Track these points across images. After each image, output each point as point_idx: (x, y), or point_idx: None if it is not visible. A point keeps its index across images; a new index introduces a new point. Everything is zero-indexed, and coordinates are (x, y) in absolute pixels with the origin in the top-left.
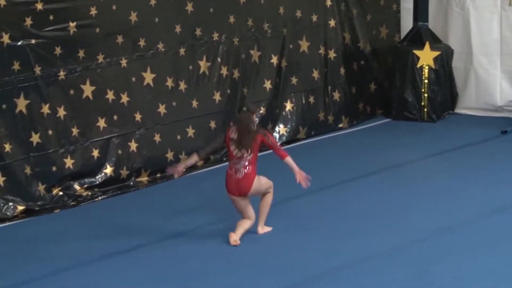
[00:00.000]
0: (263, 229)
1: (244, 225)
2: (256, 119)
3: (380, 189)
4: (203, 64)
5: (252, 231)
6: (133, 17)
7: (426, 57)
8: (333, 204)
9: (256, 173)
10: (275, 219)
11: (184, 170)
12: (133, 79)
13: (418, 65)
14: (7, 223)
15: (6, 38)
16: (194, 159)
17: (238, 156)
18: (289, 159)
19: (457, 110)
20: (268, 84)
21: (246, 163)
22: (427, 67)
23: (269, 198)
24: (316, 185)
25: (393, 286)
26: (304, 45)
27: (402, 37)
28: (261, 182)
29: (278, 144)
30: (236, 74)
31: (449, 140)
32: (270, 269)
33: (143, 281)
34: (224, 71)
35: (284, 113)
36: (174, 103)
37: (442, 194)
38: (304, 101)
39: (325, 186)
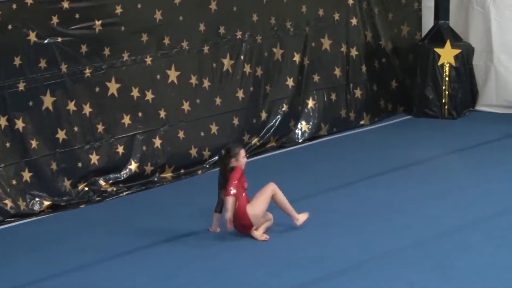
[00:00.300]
0: (298, 220)
1: (265, 224)
2: (237, 161)
3: (401, 185)
4: (227, 62)
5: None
6: (158, 15)
7: (447, 55)
8: (355, 200)
9: (248, 200)
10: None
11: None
12: (158, 76)
13: (439, 63)
14: (34, 218)
15: (33, 36)
16: (217, 216)
17: (222, 197)
18: (228, 198)
19: (477, 107)
20: (290, 82)
21: None
22: (448, 65)
23: (279, 196)
24: (338, 182)
25: (415, 280)
26: (326, 43)
27: (423, 35)
28: (256, 206)
29: (233, 184)
30: (259, 71)
31: (469, 137)
32: (296, 263)
33: (166, 276)
34: (247, 68)
35: (306, 110)
36: (198, 100)
37: (463, 190)
38: (326, 99)
39: (347, 183)
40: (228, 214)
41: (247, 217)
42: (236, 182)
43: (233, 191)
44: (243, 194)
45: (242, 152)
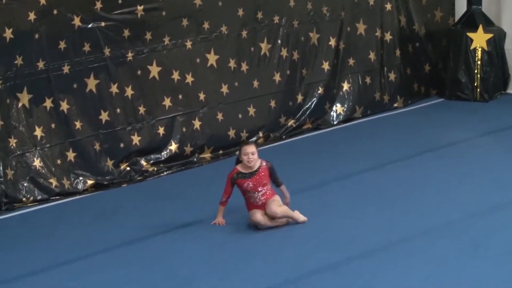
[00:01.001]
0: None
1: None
2: (241, 157)
3: (434, 166)
4: (264, 46)
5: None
6: (198, 1)
7: (479, 39)
8: (388, 181)
9: (247, 206)
10: (331, 196)
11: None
12: (198, 60)
13: (472, 47)
14: (78, 197)
15: (77, 21)
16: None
17: None
18: (220, 205)
19: (509, 91)
20: (326, 65)
21: None
22: (480, 49)
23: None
24: (371, 163)
25: (445, 259)
26: (361, 28)
27: (456, 20)
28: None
29: (223, 192)
30: (295, 55)
31: (501, 119)
32: (327, 243)
33: (208, 252)
34: (284, 52)
35: (341, 93)
36: (236, 83)
37: (495, 171)
38: (360, 82)
39: (381, 164)
40: (216, 219)
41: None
42: (226, 189)
43: (222, 200)
44: (249, 196)
45: (243, 149)
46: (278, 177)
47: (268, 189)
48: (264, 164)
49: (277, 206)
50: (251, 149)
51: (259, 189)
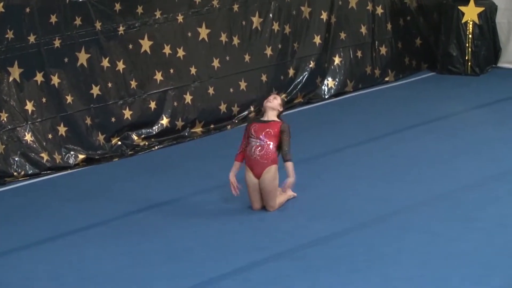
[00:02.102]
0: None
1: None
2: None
3: (426, 139)
4: (256, 20)
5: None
6: None
7: (470, 12)
8: (381, 154)
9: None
10: (324, 169)
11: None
12: (189, 34)
13: (463, 21)
14: (69, 171)
15: None
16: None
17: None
18: (235, 161)
19: (500, 64)
20: (317, 39)
21: None
22: (471, 23)
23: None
24: (364, 136)
25: (440, 231)
26: (352, 1)
27: None
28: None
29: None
30: (287, 29)
31: (492, 92)
32: (321, 215)
33: (201, 224)
34: (275, 26)
35: (332, 67)
36: (227, 58)
37: (487, 144)
38: (352, 56)
39: (373, 137)
40: (231, 185)
41: None
42: (243, 139)
43: (237, 153)
44: (248, 142)
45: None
46: (286, 145)
47: (269, 150)
48: (280, 121)
49: (271, 203)
50: (275, 96)
51: (261, 138)
